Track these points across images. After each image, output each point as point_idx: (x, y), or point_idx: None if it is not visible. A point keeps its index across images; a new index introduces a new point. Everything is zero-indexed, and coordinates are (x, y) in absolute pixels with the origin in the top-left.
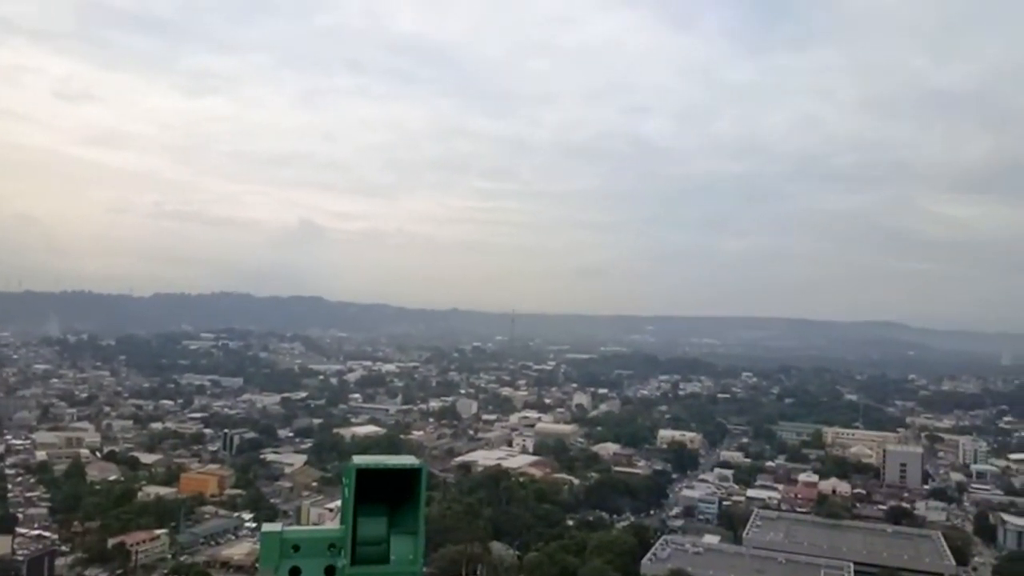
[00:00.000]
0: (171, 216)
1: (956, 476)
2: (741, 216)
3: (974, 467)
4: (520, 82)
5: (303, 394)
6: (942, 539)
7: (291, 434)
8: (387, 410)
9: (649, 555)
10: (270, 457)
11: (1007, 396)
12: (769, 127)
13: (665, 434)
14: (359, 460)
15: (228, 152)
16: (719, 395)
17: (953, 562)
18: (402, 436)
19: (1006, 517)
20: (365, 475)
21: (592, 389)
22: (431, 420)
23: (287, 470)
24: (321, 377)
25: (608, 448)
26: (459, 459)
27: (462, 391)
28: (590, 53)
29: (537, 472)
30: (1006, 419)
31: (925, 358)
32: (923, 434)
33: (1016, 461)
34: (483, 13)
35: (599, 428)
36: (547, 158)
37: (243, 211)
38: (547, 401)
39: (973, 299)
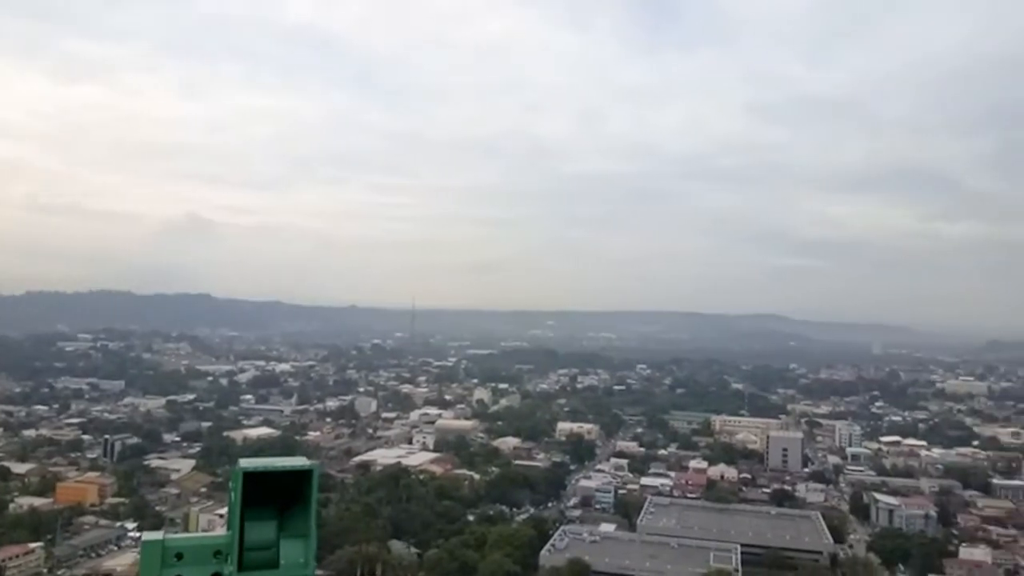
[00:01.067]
0: (44, 209)
1: (833, 459)
2: (636, 213)
3: (849, 450)
4: (415, 77)
5: (190, 396)
6: (821, 519)
7: (178, 439)
8: (281, 411)
9: (548, 546)
10: (155, 463)
11: (878, 383)
12: (660, 128)
13: (564, 426)
14: (245, 463)
15: (107, 142)
16: (615, 387)
17: (831, 540)
18: (298, 437)
19: (878, 496)
20: (253, 478)
21: (493, 384)
22: (328, 420)
23: (174, 476)
24: (210, 378)
25: (509, 442)
26: (358, 459)
27: (361, 389)
28: (485, 51)
29: (438, 469)
30: (878, 404)
31: (805, 348)
32: (803, 420)
33: (887, 444)
34: (375, 6)
35: (500, 423)
36: (444, 154)
37: (124, 204)
38: (448, 397)
39: (847, 292)
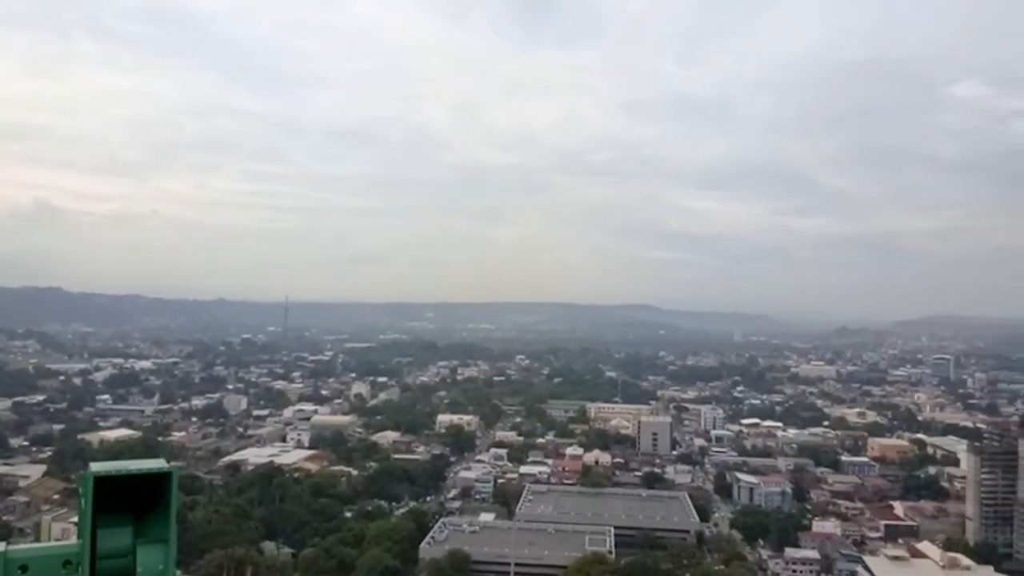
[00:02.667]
0: None
1: (699, 441)
2: (515, 206)
3: (713, 433)
4: (289, 61)
5: (40, 397)
6: (688, 499)
7: (26, 443)
8: (142, 411)
9: (427, 539)
10: (1, 470)
11: (739, 369)
12: (538, 122)
13: (444, 419)
14: (97, 467)
15: None
16: (495, 378)
17: (697, 519)
18: (160, 439)
19: (740, 476)
20: (106, 483)
21: (371, 378)
22: (194, 420)
23: (23, 483)
24: (62, 377)
25: (388, 436)
26: (227, 459)
27: (230, 387)
28: (362, 37)
29: (313, 466)
30: (739, 389)
31: (673, 337)
32: (672, 405)
33: (747, 426)
34: None
35: (379, 417)
36: (319, 141)
37: None
38: (324, 393)
39: (712, 283)
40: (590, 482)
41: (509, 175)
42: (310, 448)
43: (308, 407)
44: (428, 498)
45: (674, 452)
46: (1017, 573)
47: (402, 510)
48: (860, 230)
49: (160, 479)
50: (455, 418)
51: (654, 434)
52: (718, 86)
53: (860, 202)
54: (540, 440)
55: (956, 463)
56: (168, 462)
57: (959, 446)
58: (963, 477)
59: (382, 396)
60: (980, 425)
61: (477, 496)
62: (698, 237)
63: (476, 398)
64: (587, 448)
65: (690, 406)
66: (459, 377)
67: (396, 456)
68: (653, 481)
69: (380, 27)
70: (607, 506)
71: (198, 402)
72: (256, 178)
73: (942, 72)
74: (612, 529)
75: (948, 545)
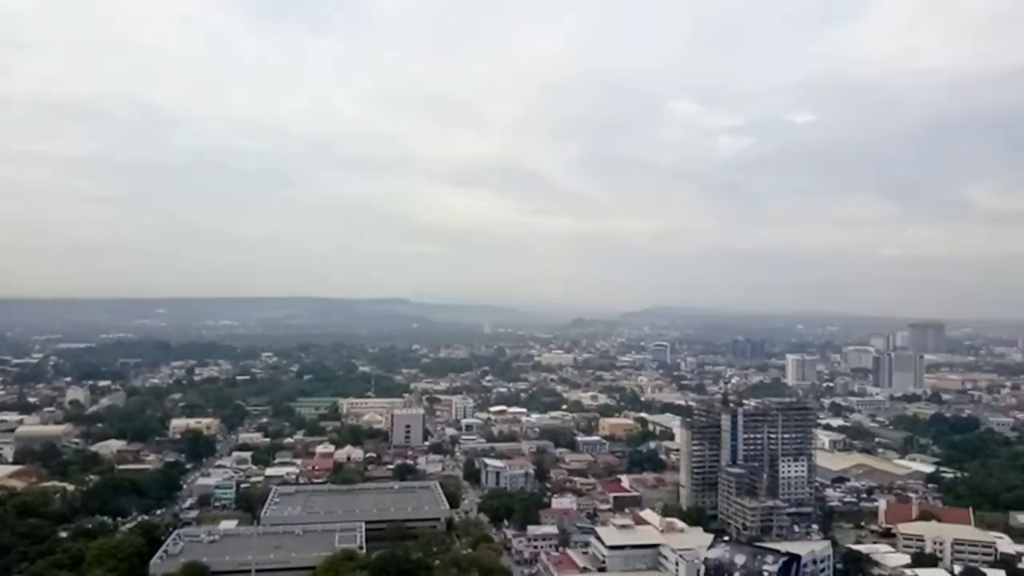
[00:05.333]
0: None
1: (450, 431)
2: (263, 195)
3: (464, 421)
4: None
5: None
6: (439, 488)
7: None
8: None
9: (160, 553)
10: None
11: (488, 359)
12: (287, 109)
13: (179, 423)
14: None
15: None
16: (238, 377)
17: (447, 506)
18: None
19: (488, 461)
20: None
21: (91, 382)
22: None
23: None
24: None
25: (111, 446)
26: None
27: None
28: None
29: (19, 483)
30: (488, 378)
31: (426, 330)
32: (425, 397)
33: (495, 413)
34: None
35: (100, 425)
36: (26, 114)
37: None
38: (32, 400)
39: (462, 277)
40: (341, 479)
41: (255, 162)
42: (14, 463)
43: (12, 416)
44: (161, 510)
45: (426, 443)
46: (720, 531)
47: (129, 525)
48: (594, 229)
49: None
50: (192, 422)
51: (407, 426)
52: (468, 87)
53: (593, 204)
54: (289, 440)
55: (672, 437)
56: None
57: (674, 422)
58: (678, 450)
59: (104, 401)
60: (691, 403)
61: (217, 503)
62: (449, 231)
63: (216, 399)
64: (339, 445)
65: (442, 397)
66: (197, 378)
67: (122, 467)
68: (405, 473)
69: None
70: (358, 502)
71: None
72: None
73: (664, 89)
74: (363, 525)
75: (666, 511)
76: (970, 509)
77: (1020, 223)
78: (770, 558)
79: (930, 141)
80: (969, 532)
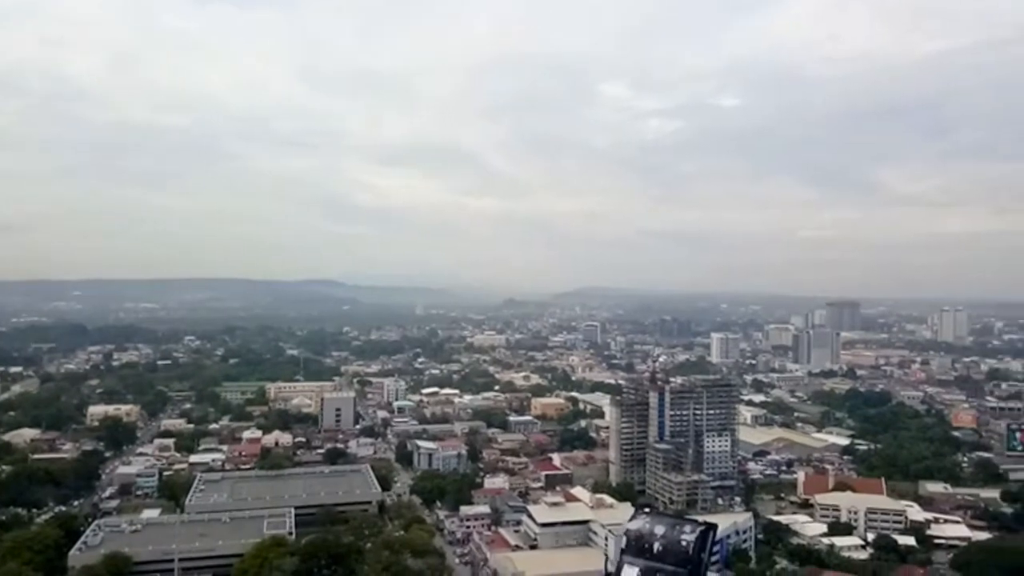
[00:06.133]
0: None
1: (382, 413)
2: (186, 172)
3: (396, 404)
4: None
5: None
6: (370, 471)
7: None
8: None
9: (79, 544)
10: None
11: (420, 341)
12: (213, 83)
13: (96, 410)
14: None
15: None
16: (160, 362)
17: (379, 489)
18: None
19: (419, 443)
20: None
21: (1, 368)
22: None
23: None
24: None
25: (24, 435)
26: None
27: None
28: None
29: None
30: (420, 360)
31: (357, 311)
32: (355, 380)
33: (428, 395)
34: None
35: (11, 413)
36: None
37: None
38: None
39: (393, 258)
40: (269, 464)
41: (178, 138)
42: None
43: None
44: (79, 501)
45: (357, 426)
46: (648, 506)
47: (45, 517)
48: (525, 210)
49: None
50: (111, 409)
51: (337, 410)
52: (398, 64)
53: (525, 185)
54: (214, 426)
55: (602, 415)
56: None
57: (604, 401)
58: (607, 427)
59: (16, 389)
60: (620, 382)
61: (139, 492)
62: (381, 211)
63: (137, 385)
64: (266, 430)
65: (374, 380)
66: (115, 363)
67: (36, 456)
68: (336, 457)
69: None
70: (287, 487)
71: None
72: None
73: (595, 71)
74: (292, 510)
75: (596, 488)
76: (882, 479)
77: (931, 205)
78: (688, 527)
79: (847, 126)
80: (882, 501)
